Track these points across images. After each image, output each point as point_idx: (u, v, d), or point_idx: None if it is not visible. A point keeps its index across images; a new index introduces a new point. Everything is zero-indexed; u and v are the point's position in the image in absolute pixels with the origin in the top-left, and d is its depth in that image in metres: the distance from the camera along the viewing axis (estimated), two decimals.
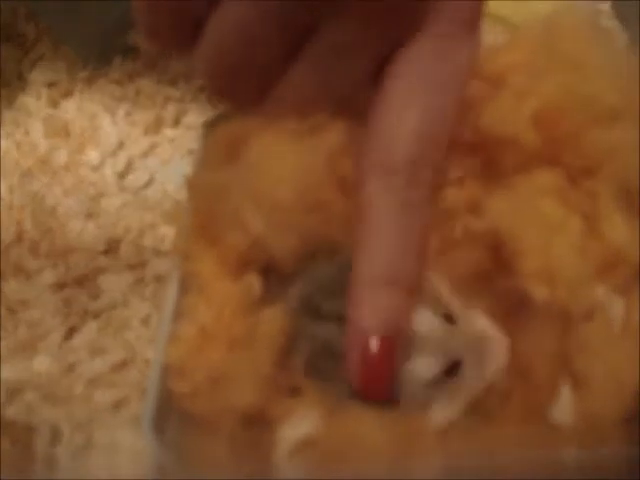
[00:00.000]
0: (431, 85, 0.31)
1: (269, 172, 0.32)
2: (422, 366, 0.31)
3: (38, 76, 0.52)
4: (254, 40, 0.29)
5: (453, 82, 0.31)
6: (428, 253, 0.31)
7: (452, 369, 0.31)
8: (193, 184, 0.36)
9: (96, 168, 0.47)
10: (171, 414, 0.31)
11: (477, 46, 0.32)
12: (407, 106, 0.30)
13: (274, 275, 0.33)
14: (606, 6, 0.52)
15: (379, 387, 0.31)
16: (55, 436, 0.34)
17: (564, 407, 0.30)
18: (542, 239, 0.31)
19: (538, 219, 0.31)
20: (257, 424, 0.31)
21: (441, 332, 0.31)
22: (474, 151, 0.34)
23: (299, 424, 0.30)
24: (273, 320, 0.31)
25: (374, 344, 0.30)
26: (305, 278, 0.33)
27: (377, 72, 0.31)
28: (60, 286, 0.43)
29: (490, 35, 0.48)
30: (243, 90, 0.32)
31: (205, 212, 0.34)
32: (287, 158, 0.32)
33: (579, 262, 0.31)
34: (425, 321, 0.31)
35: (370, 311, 0.30)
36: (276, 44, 0.30)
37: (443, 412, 0.31)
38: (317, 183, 0.32)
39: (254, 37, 0.29)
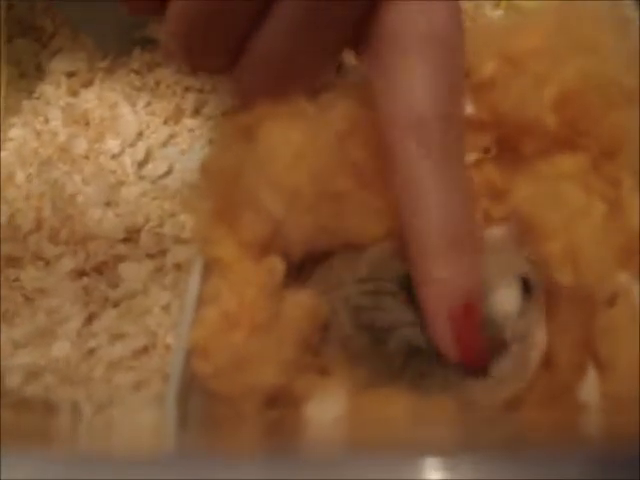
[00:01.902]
0: (438, 34, 0.30)
1: (281, 156, 0.32)
2: (507, 298, 0.31)
3: (57, 66, 0.51)
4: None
5: (455, 30, 0.31)
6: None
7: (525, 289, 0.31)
8: (207, 168, 0.36)
9: (116, 157, 0.47)
10: (194, 395, 0.31)
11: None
12: (420, 61, 0.30)
13: (295, 258, 0.33)
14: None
15: (478, 352, 0.30)
16: (75, 415, 0.34)
17: (590, 389, 0.30)
18: (565, 224, 0.31)
19: (560, 204, 0.31)
20: (282, 405, 0.31)
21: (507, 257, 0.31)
22: (492, 134, 0.34)
23: (326, 404, 0.30)
24: (298, 303, 0.31)
25: (463, 313, 0.30)
26: (333, 261, 0.33)
27: (355, 34, 0.31)
28: (79, 274, 0.43)
29: (505, 19, 0.49)
30: (211, 54, 0.32)
31: (222, 196, 0.34)
32: (298, 142, 0.32)
33: (602, 247, 0.31)
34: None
35: (446, 281, 0.30)
36: (245, 4, 0.29)
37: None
38: (329, 167, 0.32)
39: None
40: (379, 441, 0.27)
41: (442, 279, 0.30)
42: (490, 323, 0.31)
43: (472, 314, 0.30)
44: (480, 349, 0.30)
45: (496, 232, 0.33)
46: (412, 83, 0.30)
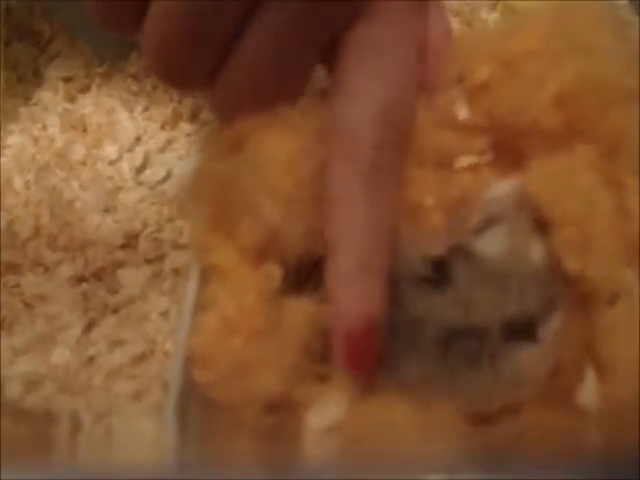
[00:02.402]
0: (390, 61, 0.30)
1: (275, 162, 0.31)
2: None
3: (54, 72, 0.52)
4: (201, 13, 0.29)
5: (411, 56, 0.31)
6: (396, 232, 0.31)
7: None
8: (201, 174, 0.36)
9: (113, 162, 0.47)
10: (193, 403, 0.31)
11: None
12: (366, 88, 0.30)
13: (293, 263, 0.33)
14: (624, 2, 0.52)
15: (367, 367, 0.31)
16: (75, 425, 0.34)
17: (589, 392, 0.30)
18: (578, 213, 0.31)
19: (574, 191, 0.31)
20: (282, 411, 0.31)
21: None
22: (488, 138, 0.34)
23: (328, 410, 0.30)
24: (299, 309, 0.31)
25: (357, 334, 0.30)
26: None
27: (327, 50, 0.31)
28: (78, 280, 0.43)
29: (502, 22, 0.49)
30: (189, 71, 0.31)
31: (218, 203, 0.34)
32: (291, 147, 0.32)
33: (612, 240, 0.31)
34: None
35: (348, 302, 0.30)
36: (224, 17, 0.29)
37: None
38: (322, 170, 0.31)
39: (201, 9, 0.29)
40: (381, 449, 0.27)
41: (346, 300, 0.30)
42: (540, 281, 0.31)
43: (367, 339, 0.31)
44: (368, 369, 0.31)
45: (502, 190, 0.32)
46: (357, 107, 0.30)
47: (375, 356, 0.31)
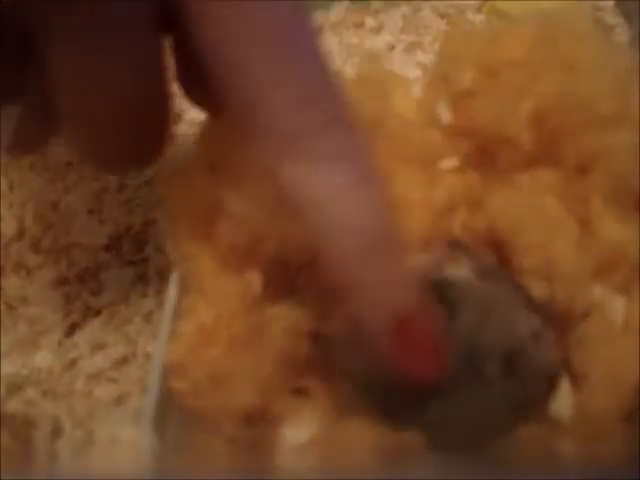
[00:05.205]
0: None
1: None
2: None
3: None
4: None
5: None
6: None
7: None
8: (181, 175, 0.35)
9: None
10: (171, 412, 0.31)
11: None
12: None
13: (278, 269, 0.33)
14: (610, 4, 0.52)
15: (431, 357, 0.27)
16: (55, 431, 0.34)
17: (564, 403, 0.30)
18: (542, 239, 0.31)
19: (538, 218, 0.31)
20: (259, 423, 0.30)
21: None
22: (471, 142, 0.34)
23: (303, 424, 0.30)
24: (277, 319, 0.31)
25: (404, 319, 0.26)
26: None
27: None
28: (61, 282, 0.43)
29: (488, 24, 0.49)
30: None
31: (196, 205, 0.33)
32: None
33: (577, 260, 0.31)
34: None
35: (379, 288, 0.26)
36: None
37: None
38: None
39: None
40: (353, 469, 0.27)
41: (374, 285, 0.26)
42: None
43: (417, 324, 0.26)
44: (433, 359, 0.27)
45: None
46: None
47: (436, 343, 0.27)
